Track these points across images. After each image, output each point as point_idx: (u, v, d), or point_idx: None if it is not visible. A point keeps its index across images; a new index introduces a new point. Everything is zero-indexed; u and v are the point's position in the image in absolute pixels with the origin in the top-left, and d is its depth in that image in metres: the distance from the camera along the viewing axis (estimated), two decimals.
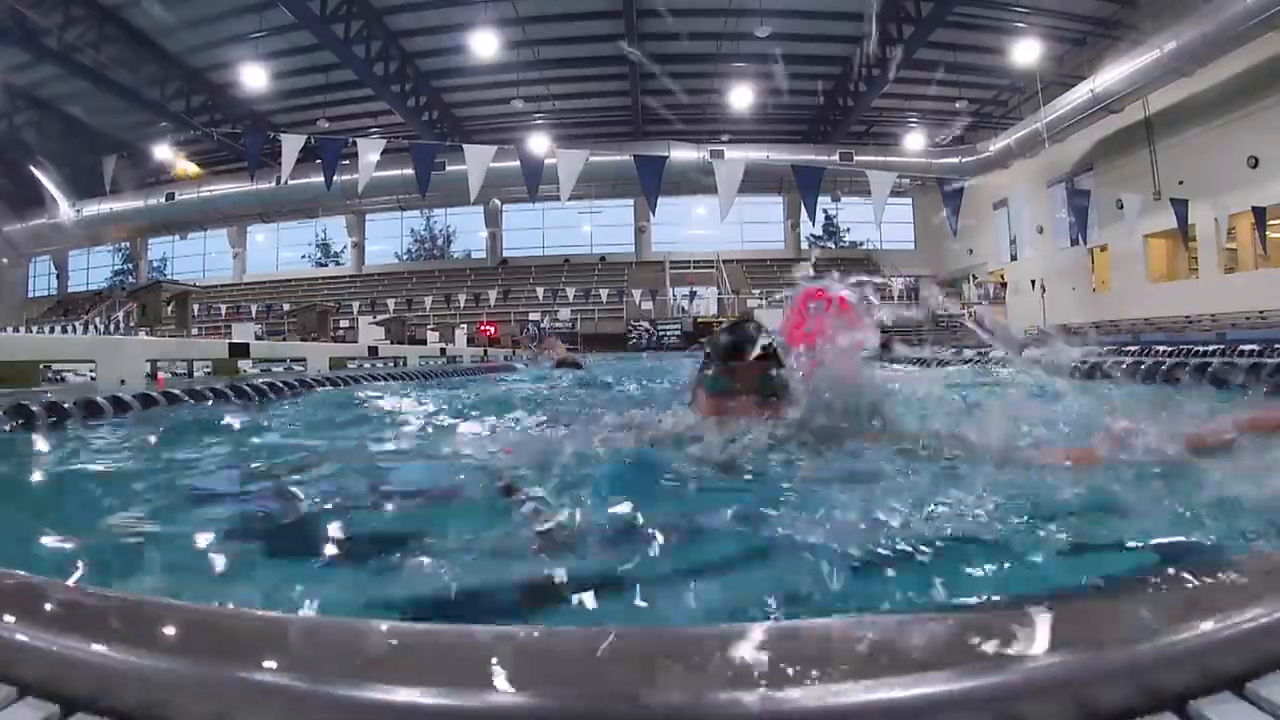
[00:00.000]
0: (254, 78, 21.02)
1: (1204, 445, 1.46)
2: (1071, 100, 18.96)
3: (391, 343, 12.98)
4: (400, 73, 21.30)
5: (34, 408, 2.72)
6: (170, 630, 0.63)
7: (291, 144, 11.34)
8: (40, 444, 2.43)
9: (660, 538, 1.11)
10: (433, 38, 20.29)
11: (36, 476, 2.04)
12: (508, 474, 1.48)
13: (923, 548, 1.05)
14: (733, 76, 22.50)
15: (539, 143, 23.29)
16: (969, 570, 1.02)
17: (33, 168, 24.35)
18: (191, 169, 26.23)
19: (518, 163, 13.53)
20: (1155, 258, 19.38)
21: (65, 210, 27.65)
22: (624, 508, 1.24)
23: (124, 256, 34.55)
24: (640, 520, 1.18)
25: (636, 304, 27.01)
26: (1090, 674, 0.53)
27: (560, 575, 0.99)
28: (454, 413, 3.47)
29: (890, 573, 1.00)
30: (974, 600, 0.98)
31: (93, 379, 4.16)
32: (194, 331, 16.54)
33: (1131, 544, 1.09)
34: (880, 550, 1.04)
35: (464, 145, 11.04)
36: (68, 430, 2.70)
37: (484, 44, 19.61)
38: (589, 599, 0.93)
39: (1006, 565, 1.02)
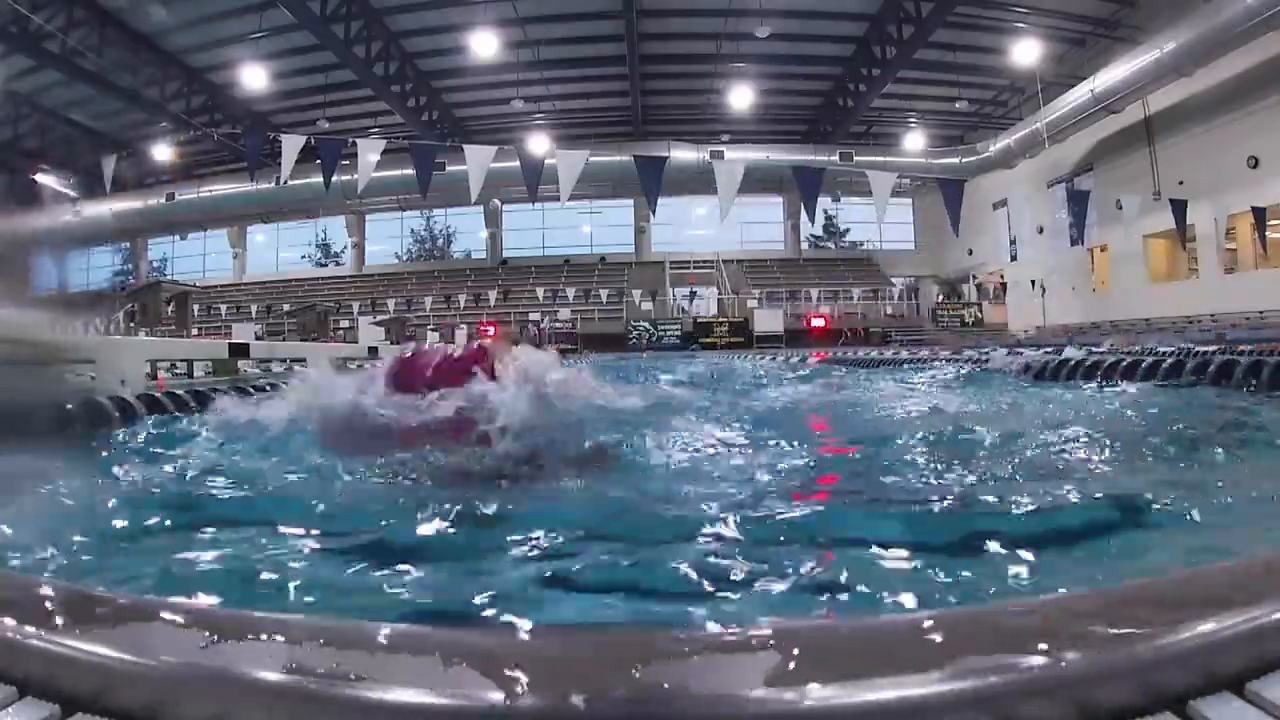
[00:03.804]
0: (254, 78, 21.01)
1: None
2: (1071, 100, 18.95)
3: (391, 343, 12.97)
4: (400, 73, 21.29)
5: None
6: (170, 630, 0.63)
7: (291, 144, 11.34)
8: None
9: None
10: (433, 38, 20.28)
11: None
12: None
13: None
14: (733, 77, 22.49)
15: (539, 143, 23.28)
16: None
17: (31, 168, 24.35)
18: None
19: (518, 163, 13.52)
20: (1155, 258, 19.38)
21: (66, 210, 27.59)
22: None
23: (124, 256, 34.53)
24: None
25: (636, 304, 26.99)
26: (1090, 674, 0.53)
27: None
28: None
29: None
30: (974, 599, 0.98)
31: (92, 379, 4.15)
32: (194, 332, 16.52)
33: None
34: None
35: (464, 145, 11.04)
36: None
37: (484, 44, 19.60)
38: None
39: None
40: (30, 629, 0.62)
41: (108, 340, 6.03)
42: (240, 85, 21.63)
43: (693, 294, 27.62)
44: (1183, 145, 17.54)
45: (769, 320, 24.69)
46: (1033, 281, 21.84)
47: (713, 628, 0.61)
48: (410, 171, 12.93)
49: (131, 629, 0.63)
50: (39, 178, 24.64)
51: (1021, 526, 1.31)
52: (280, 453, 1.93)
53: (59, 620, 0.64)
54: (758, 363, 11.58)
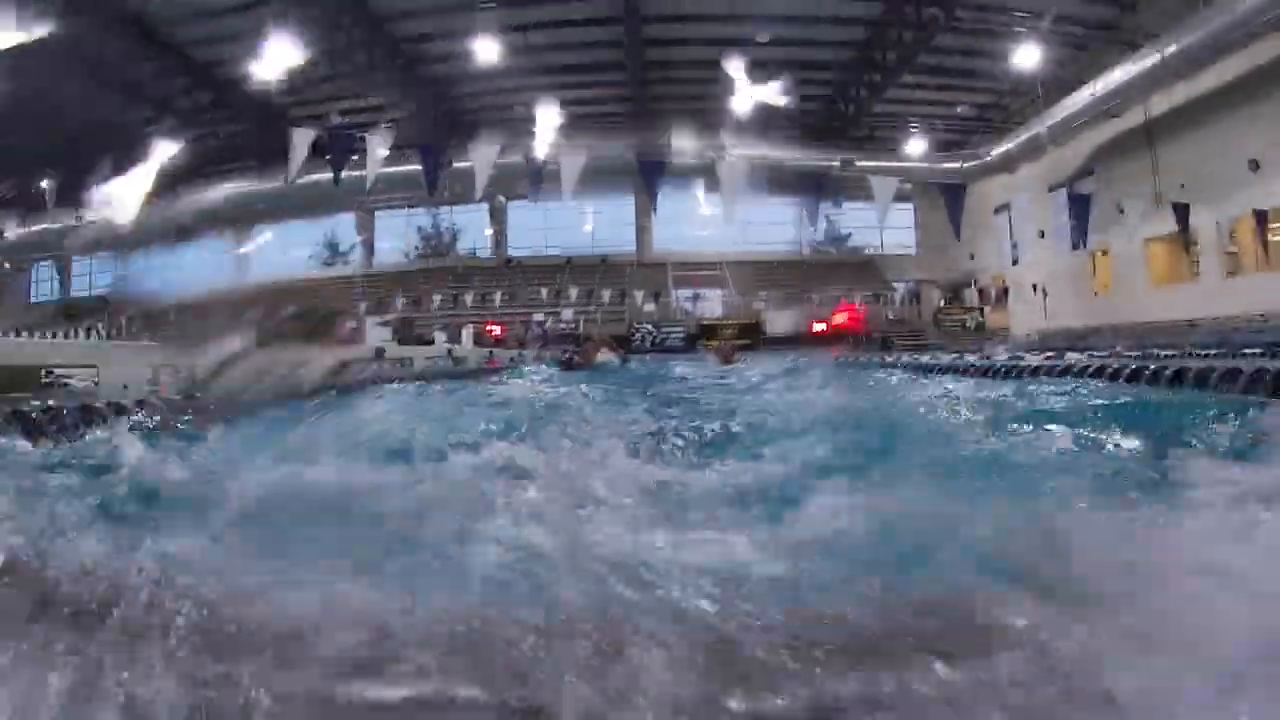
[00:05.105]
0: (259, 74, 20.97)
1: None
2: (1073, 105, 18.92)
3: (398, 344, 12.94)
4: (402, 73, 21.35)
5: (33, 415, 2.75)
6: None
7: (301, 138, 11.41)
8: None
9: None
10: (435, 42, 20.32)
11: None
12: None
13: None
14: (735, 81, 22.49)
15: (543, 142, 23.27)
16: None
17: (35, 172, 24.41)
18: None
19: (522, 159, 13.58)
20: (1156, 261, 19.34)
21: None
22: None
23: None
24: None
25: (639, 306, 26.90)
26: None
27: None
28: None
29: None
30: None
31: (95, 385, 4.20)
32: None
33: None
34: None
35: (469, 143, 11.12)
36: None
37: (487, 50, 19.63)
38: None
39: None
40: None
41: (111, 345, 6.07)
42: (242, 84, 21.68)
43: (696, 296, 27.56)
44: (1183, 149, 17.51)
45: (781, 321, 24.44)
46: (1034, 286, 21.82)
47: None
48: (418, 167, 12.96)
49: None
50: (45, 184, 24.73)
51: None
52: None
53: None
54: None
